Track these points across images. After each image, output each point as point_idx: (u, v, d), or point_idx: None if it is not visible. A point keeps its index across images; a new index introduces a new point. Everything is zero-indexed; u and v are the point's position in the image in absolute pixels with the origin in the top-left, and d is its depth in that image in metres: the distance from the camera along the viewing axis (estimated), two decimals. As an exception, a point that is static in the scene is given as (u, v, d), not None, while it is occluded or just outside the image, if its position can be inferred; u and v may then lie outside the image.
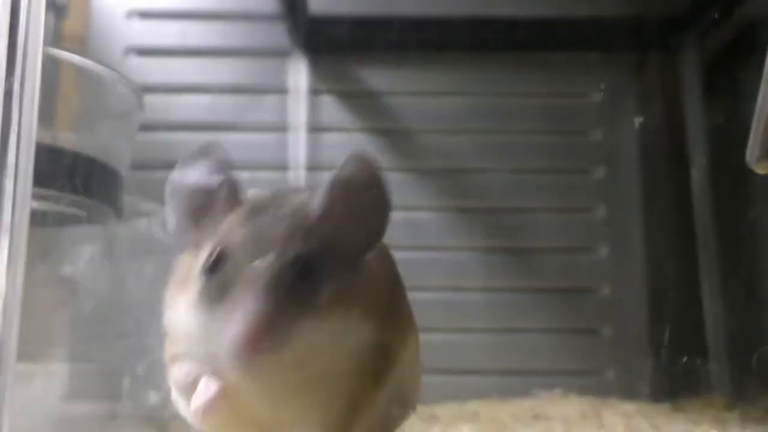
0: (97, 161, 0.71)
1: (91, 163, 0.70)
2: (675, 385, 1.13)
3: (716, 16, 1.18)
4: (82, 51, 1.11)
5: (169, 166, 1.25)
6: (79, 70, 0.76)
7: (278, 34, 1.24)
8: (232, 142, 1.17)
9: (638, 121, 1.18)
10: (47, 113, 0.79)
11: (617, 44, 1.26)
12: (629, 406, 1.05)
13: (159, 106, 1.17)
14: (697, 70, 1.24)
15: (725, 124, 1.20)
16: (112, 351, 0.77)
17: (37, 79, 0.43)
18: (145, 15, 1.26)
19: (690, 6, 1.22)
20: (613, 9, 1.26)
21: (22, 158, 0.44)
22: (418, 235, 1.21)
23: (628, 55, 1.27)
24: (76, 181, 0.68)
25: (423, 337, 1.11)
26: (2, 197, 0.44)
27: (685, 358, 1.16)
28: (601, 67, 1.28)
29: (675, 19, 1.26)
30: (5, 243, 0.43)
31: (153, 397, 0.72)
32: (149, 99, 1.07)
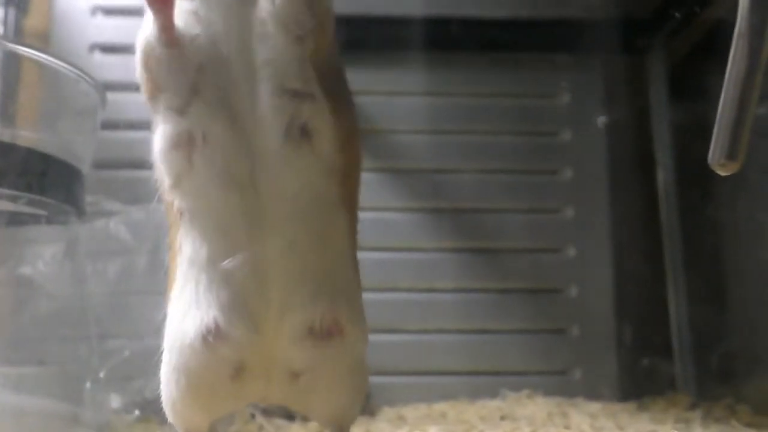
0: (57, 159, 0.70)
1: (52, 162, 0.68)
2: (640, 385, 1.14)
3: (682, 18, 1.19)
4: (45, 47, 1.09)
5: (133, 165, 1.24)
6: (40, 67, 0.75)
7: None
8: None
9: (602, 120, 1.19)
10: (6, 110, 0.77)
11: (585, 46, 1.26)
12: (595, 406, 1.06)
13: (123, 104, 1.15)
14: (664, 72, 1.26)
15: (691, 125, 1.21)
16: (73, 353, 0.75)
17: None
18: (110, 11, 1.24)
19: (656, 9, 1.23)
20: (581, 11, 1.27)
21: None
22: (388, 235, 1.21)
23: (595, 57, 1.28)
24: (36, 179, 0.67)
25: (391, 338, 1.12)
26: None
27: (649, 358, 1.18)
28: (570, 69, 1.28)
29: (642, 21, 1.27)
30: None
31: (115, 401, 0.71)
32: (113, 97, 1.06)
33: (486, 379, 1.17)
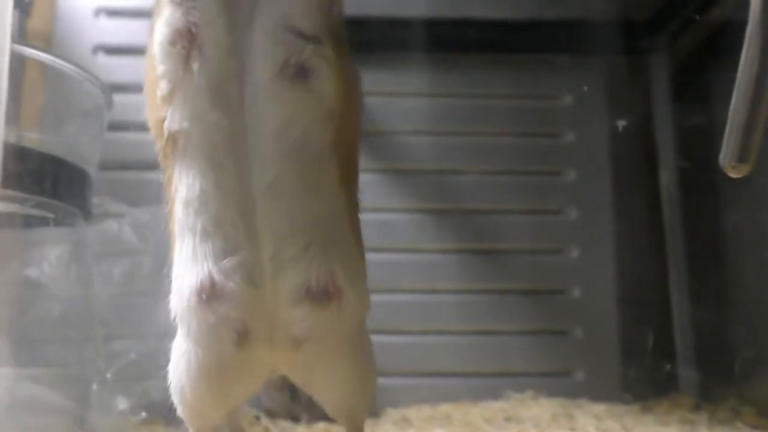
0: (64, 161, 0.69)
1: (59, 164, 0.68)
2: (644, 387, 1.14)
3: (685, 20, 1.19)
4: (48, 49, 1.09)
5: (138, 166, 1.24)
6: (45, 68, 0.75)
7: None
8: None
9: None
10: (12, 112, 0.77)
11: (589, 47, 1.26)
12: (599, 408, 1.06)
13: (128, 105, 1.15)
14: (667, 73, 1.26)
15: (694, 126, 1.21)
16: (79, 355, 0.75)
17: (4, 78, 0.43)
18: (113, 13, 1.24)
19: (659, 10, 1.23)
20: (584, 12, 1.27)
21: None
22: (391, 236, 1.21)
23: (599, 58, 1.28)
24: (43, 182, 0.66)
25: (395, 340, 1.11)
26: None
27: (653, 360, 1.17)
28: (573, 70, 1.29)
29: (645, 23, 1.27)
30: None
31: (121, 403, 0.70)
32: (117, 98, 1.06)
33: (489, 381, 1.17)
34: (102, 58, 1.23)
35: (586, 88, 1.24)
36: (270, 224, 0.48)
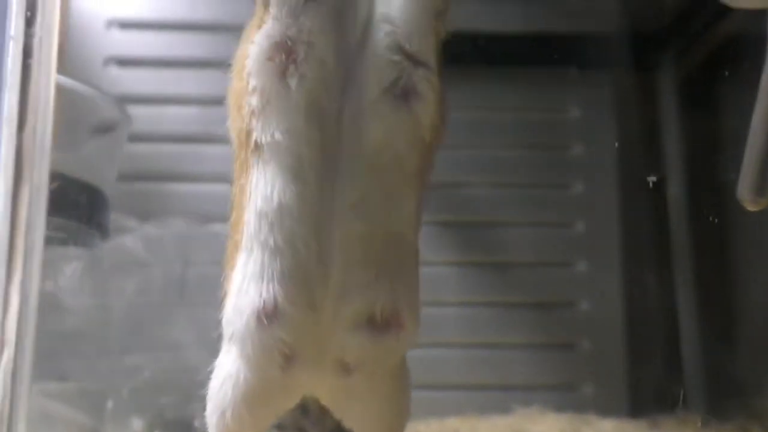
0: (83, 183, 0.70)
1: (78, 186, 0.69)
2: (650, 401, 1.15)
3: (692, 34, 1.20)
4: (61, 62, 1.10)
5: (149, 178, 1.24)
6: (61, 88, 0.75)
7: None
8: (213, 154, 1.17)
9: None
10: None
11: (596, 61, 1.27)
12: (607, 424, 1.06)
13: (139, 117, 1.16)
14: (674, 87, 1.26)
15: (701, 139, 1.21)
16: (94, 370, 0.75)
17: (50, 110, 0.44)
18: (125, 25, 1.25)
19: (667, 24, 1.24)
20: (592, 26, 1.27)
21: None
22: (397, 249, 1.21)
23: (608, 72, 1.28)
24: (63, 205, 0.67)
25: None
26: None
27: (660, 374, 1.18)
28: (580, 83, 1.29)
29: (652, 36, 1.27)
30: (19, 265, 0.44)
31: (136, 423, 0.71)
32: (129, 110, 1.06)
33: (496, 394, 1.18)
34: (113, 70, 1.24)
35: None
36: (345, 246, 0.48)
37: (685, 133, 1.24)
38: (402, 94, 0.48)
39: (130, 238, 0.88)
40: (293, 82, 0.47)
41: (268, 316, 0.47)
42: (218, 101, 1.21)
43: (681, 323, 1.19)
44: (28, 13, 0.46)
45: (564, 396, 1.18)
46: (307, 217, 0.47)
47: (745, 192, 0.45)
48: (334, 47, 0.48)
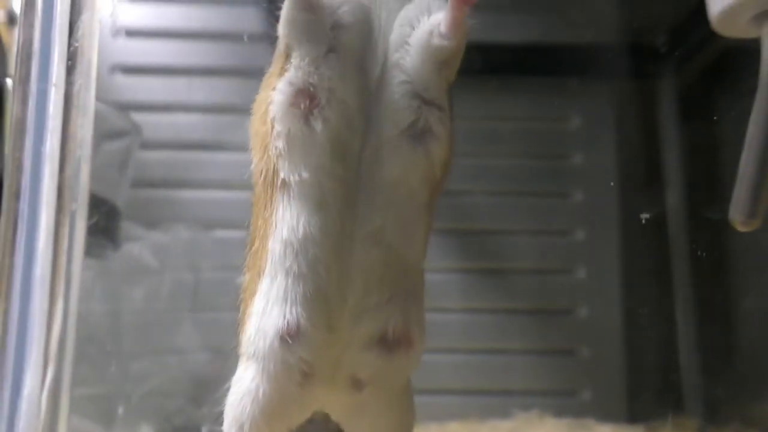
0: (93, 195, 0.71)
1: (91, 200, 0.70)
2: (649, 407, 1.16)
3: (693, 44, 1.21)
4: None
5: (156, 185, 1.25)
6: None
7: (266, 54, 1.25)
8: (219, 161, 1.18)
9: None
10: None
11: (596, 70, 1.28)
12: (605, 428, 1.08)
13: (146, 125, 1.17)
14: (674, 97, 1.28)
15: (700, 148, 1.23)
16: (104, 376, 0.77)
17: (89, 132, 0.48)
18: (132, 33, 1.26)
19: (668, 35, 1.25)
20: (593, 36, 1.29)
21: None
22: (400, 255, 1.22)
23: (607, 82, 1.30)
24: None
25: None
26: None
27: (658, 380, 1.19)
28: (581, 93, 1.30)
29: (653, 47, 1.28)
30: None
31: (145, 429, 0.72)
32: (136, 118, 1.08)
33: (496, 399, 1.19)
34: (120, 78, 1.26)
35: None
36: (363, 271, 0.51)
37: (684, 142, 1.26)
38: (419, 134, 0.52)
39: (138, 245, 0.90)
40: (318, 126, 0.50)
41: (291, 336, 0.50)
42: (224, 109, 1.23)
43: (679, 330, 1.20)
44: (69, 62, 0.49)
45: (563, 401, 1.19)
46: (329, 245, 0.50)
47: (736, 213, 0.47)
48: (355, 90, 0.51)
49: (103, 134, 0.81)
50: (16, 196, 0.46)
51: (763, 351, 1.07)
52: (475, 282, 1.25)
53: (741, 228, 0.47)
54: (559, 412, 1.15)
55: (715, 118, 1.18)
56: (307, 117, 0.50)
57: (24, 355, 0.44)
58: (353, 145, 0.51)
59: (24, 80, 0.47)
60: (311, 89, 0.50)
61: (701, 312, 1.19)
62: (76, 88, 0.51)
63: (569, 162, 1.29)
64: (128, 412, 0.77)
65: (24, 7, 0.47)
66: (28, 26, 0.47)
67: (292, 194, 0.51)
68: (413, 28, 0.52)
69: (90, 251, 0.74)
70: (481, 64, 1.30)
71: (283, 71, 0.51)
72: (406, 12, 0.53)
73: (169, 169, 1.19)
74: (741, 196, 0.46)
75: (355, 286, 0.50)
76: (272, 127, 0.51)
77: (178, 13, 1.28)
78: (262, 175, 0.53)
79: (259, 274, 0.52)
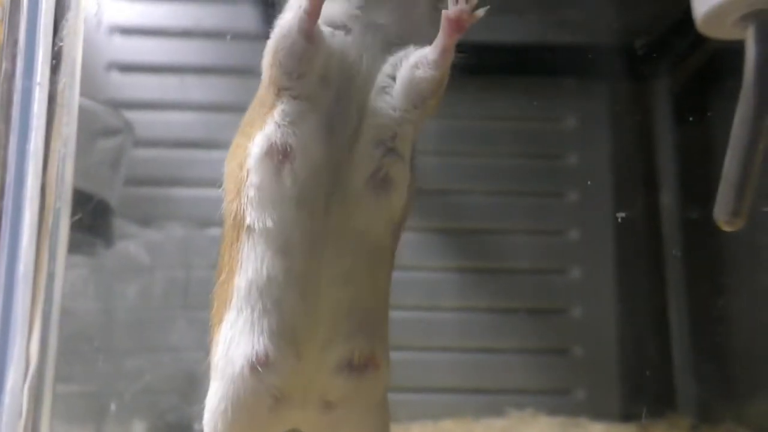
0: (86, 193, 0.72)
1: (82, 197, 0.71)
2: (642, 406, 1.16)
3: (687, 46, 1.21)
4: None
5: (150, 183, 1.26)
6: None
7: (259, 53, 1.25)
8: (213, 159, 1.18)
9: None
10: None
11: (592, 71, 1.28)
12: (598, 427, 1.08)
13: (140, 123, 1.18)
14: (669, 98, 1.28)
15: (694, 148, 1.23)
16: (97, 374, 0.77)
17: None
18: (127, 31, 1.27)
19: (662, 36, 1.25)
20: (589, 37, 1.29)
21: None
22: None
23: (602, 82, 1.30)
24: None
25: (398, 356, 1.13)
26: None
27: (651, 379, 1.20)
28: (576, 93, 1.31)
29: (648, 48, 1.29)
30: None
31: (138, 426, 0.73)
32: (130, 115, 1.08)
33: (490, 397, 1.19)
34: (115, 76, 1.26)
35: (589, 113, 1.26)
36: (331, 308, 0.53)
37: (679, 142, 1.26)
38: (380, 183, 0.54)
39: (132, 243, 0.90)
40: (288, 180, 0.52)
41: (260, 365, 0.52)
42: (219, 107, 1.23)
43: (672, 329, 1.21)
44: (54, 62, 0.50)
45: (557, 400, 1.20)
46: (293, 287, 0.52)
47: (721, 213, 0.47)
48: (326, 149, 0.53)
49: (96, 132, 0.81)
50: (0, 193, 0.47)
51: (755, 350, 1.07)
52: (469, 281, 1.25)
53: (725, 227, 0.47)
54: (553, 411, 1.15)
55: (709, 117, 1.19)
56: (279, 171, 0.52)
57: (7, 350, 0.45)
58: (320, 196, 0.53)
59: (9, 78, 0.48)
60: (288, 148, 0.52)
61: (694, 312, 1.20)
62: (60, 86, 0.52)
63: (564, 162, 1.29)
64: (121, 409, 0.78)
65: (9, 5, 0.47)
66: (13, 25, 0.48)
67: (256, 239, 0.53)
68: (396, 69, 0.54)
69: (82, 249, 0.75)
70: (477, 64, 1.30)
71: (267, 110, 0.53)
72: (393, 58, 0.55)
73: (163, 167, 1.19)
74: (725, 195, 0.46)
75: (325, 320, 0.53)
76: (247, 176, 0.53)
77: (173, 11, 1.29)
78: (232, 216, 0.55)
79: (226, 304, 0.54)
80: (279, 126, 0.52)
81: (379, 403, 0.57)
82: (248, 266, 0.53)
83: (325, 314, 0.53)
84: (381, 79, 0.54)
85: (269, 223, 0.52)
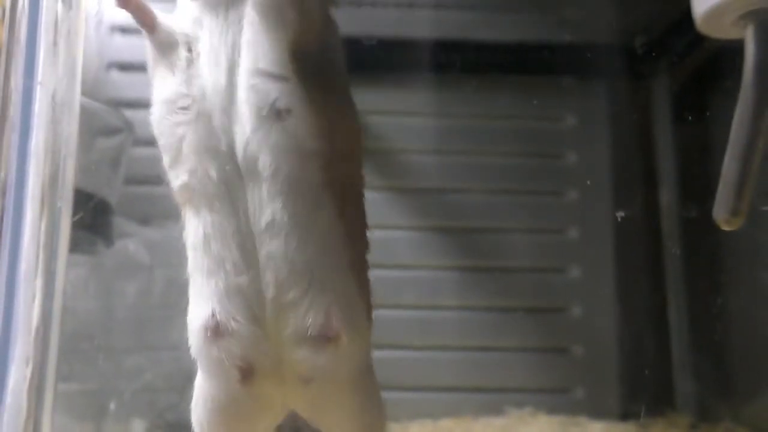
0: (85, 192, 0.72)
1: (80, 195, 0.71)
2: (641, 405, 1.17)
3: (686, 44, 1.21)
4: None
5: (150, 182, 1.26)
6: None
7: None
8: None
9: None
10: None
11: (591, 70, 1.29)
12: (597, 426, 1.08)
13: (140, 121, 1.18)
14: (668, 97, 1.28)
15: (693, 146, 1.23)
16: (96, 372, 0.77)
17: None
18: (127, 31, 1.27)
19: (661, 35, 1.26)
20: (588, 36, 1.29)
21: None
22: (393, 253, 1.23)
23: (602, 81, 1.30)
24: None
25: (397, 355, 1.14)
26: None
27: (651, 378, 1.20)
28: (576, 92, 1.31)
29: (647, 46, 1.29)
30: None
31: (138, 425, 0.73)
32: (129, 114, 1.08)
33: (490, 396, 1.19)
34: (115, 75, 1.26)
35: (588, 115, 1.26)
36: (271, 265, 0.50)
37: (678, 141, 1.26)
38: (275, 114, 0.51)
39: (131, 242, 0.90)
40: (181, 128, 0.52)
41: (212, 331, 0.51)
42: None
43: (671, 328, 1.21)
44: (55, 61, 0.50)
45: (556, 399, 1.20)
46: (230, 242, 0.51)
47: (720, 212, 0.47)
48: (217, 94, 0.52)
49: (96, 131, 0.81)
50: (2, 193, 0.47)
51: (754, 349, 1.08)
52: (468, 280, 1.25)
53: (725, 226, 0.48)
54: (552, 410, 1.15)
55: (708, 116, 1.19)
56: (175, 126, 0.52)
57: (8, 349, 0.45)
58: (222, 145, 0.51)
59: (9, 77, 0.48)
60: (181, 100, 0.52)
61: (694, 311, 1.20)
62: (61, 86, 0.51)
63: (563, 161, 1.29)
64: (120, 407, 0.78)
65: (10, 5, 0.47)
66: (14, 24, 0.48)
67: (187, 202, 0.52)
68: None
69: (82, 248, 0.75)
70: (477, 63, 1.31)
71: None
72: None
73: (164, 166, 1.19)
74: (725, 194, 0.46)
75: (267, 282, 0.50)
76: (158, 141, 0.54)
77: (173, 11, 1.28)
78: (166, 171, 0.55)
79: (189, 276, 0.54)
80: (174, 79, 0.53)
81: (356, 378, 0.53)
82: (189, 232, 0.52)
83: (267, 274, 0.50)
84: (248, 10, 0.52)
85: (184, 177, 0.52)
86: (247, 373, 0.51)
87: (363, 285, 0.55)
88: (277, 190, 0.50)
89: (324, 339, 0.51)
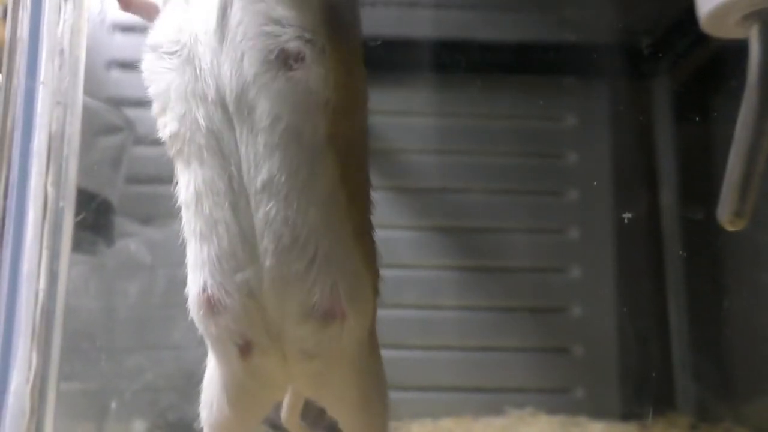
0: (87, 192, 0.72)
1: (82, 195, 0.71)
2: (641, 405, 1.17)
3: (687, 44, 1.21)
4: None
5: (151, 181, 1.25)
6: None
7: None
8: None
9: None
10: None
11: (592, 70, 1.28)
12: (598, 426, 1.08)
13: (141, 120, 1.17)
14: (669, 97, 1.28)
15: (694, 146, 1.23)
16: (97, 371, 0.77)
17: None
18: (127, 29, 1.26)
19: (663, 35, 1.26)
20: (589, 36, 1.29)
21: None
22: (394, 252, 1.23)
23: (602, 81, 1.30)
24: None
25: (397, 354, 1.14)
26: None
27: (651, 378, 1.20)
28: (577, 92, 1.31)
29: (649, 47, 1.29)
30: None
31: (138, 425, 0.73)
32: (132, 113, 1.08)
33: (490, 396, 1.19)
34: (115, 73, 1.26)
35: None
36: (269, 230, 0.47)
37: (679, 141, 1.26)
38: (282, 61, 0.47)
39: (133, 241, 0.90)
40: (178, 77, 0.49)
41: (207, 308, 0.48)
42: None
43: (672, 329, 1.21)
44: (57, 60, 0.50)
45: (556, 399, 1.20)
46: (223, 201, 0.47)
47: (724, 213, 0.47)
48: (220, 39, 0.48)
49: (97, 130, 0.81)
50: (4, 192, 0.47)
51: (755, 350, 1.08)
52: (469, 280, 1.25)
53: (728, 227, 0.47)
54: (553, 410, 1.15)
55: (709, 117, 1.19)
56: (164, 72, 0.49)
57: (11, 350, 0.45)
58: (209, 91, 0.47)
59: (12, 77, 0.48)
60: (169, 45, 0.50)
61: (694, 311, 1.20)
62: (64, 85, 0.51)
63: (564, 161, 1.29)
64: (122, 407, 0.77)
65: (12, 4, 0.47)
66: (17, 23, 0.48)
67: (177, 155, 0.50)
68: None
69: (83, 247, 0.75)
70: (478, 63, 1.31)
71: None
72: None
73: (165, 165, 1.19)
74: (728, 195, 0.46)
75: (265, 249, 0.47)
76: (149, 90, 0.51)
77: None
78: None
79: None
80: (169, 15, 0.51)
81: (360, 354, 0.51)
82: (181, 192, 0.50)
83: (266, 241, 0.46)
84: None
85: (172, 125, 0.49)
86: (246, 350, 0.49)
87: (369, 252, 0.53)
88: (275, 143, 0.47)
89: (330, 317, 0.48)
